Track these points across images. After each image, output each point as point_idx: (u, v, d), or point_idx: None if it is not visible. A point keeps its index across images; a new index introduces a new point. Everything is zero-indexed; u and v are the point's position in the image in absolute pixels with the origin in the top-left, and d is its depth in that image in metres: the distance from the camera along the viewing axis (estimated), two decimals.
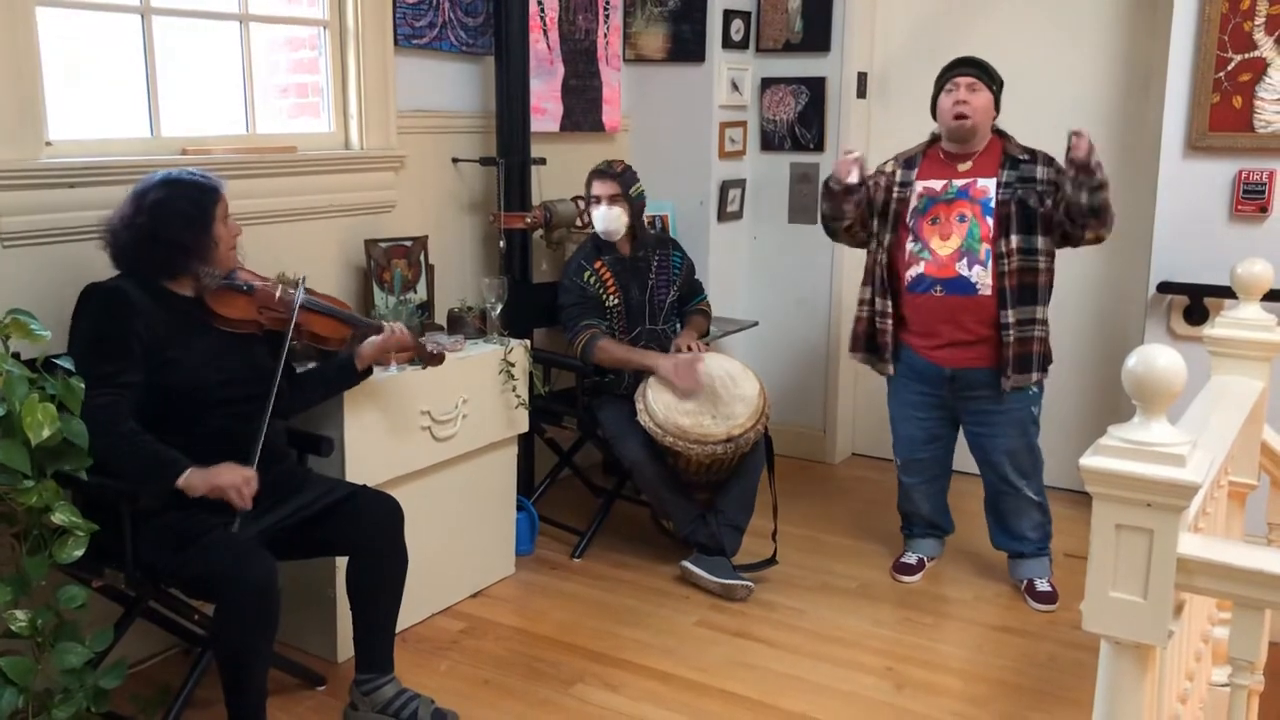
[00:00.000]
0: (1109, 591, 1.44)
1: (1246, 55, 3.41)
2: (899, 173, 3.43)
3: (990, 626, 3.32)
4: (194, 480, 2.36)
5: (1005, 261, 3.24)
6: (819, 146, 4.60)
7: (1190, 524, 1.53)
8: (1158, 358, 1.41)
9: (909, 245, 3.36)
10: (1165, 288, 3.62)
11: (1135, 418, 1.44)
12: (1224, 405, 2.12)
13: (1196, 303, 3.59)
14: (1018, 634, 3.28)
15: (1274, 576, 1.40)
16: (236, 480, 2.39)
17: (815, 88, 4.56)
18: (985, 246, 3.26)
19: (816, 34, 4.51)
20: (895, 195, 3.41)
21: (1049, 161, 3.28)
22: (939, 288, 3.32)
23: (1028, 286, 3.27)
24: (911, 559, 3.67)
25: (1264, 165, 3.44)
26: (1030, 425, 3.41)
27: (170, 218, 2.47)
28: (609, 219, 3.67)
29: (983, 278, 3.26)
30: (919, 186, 3.38)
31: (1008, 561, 3.59)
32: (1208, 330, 2.38)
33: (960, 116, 3.28)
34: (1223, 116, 3.46)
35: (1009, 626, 3.32)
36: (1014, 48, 4.09)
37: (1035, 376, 3.32)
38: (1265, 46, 3.38)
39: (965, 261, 3.28)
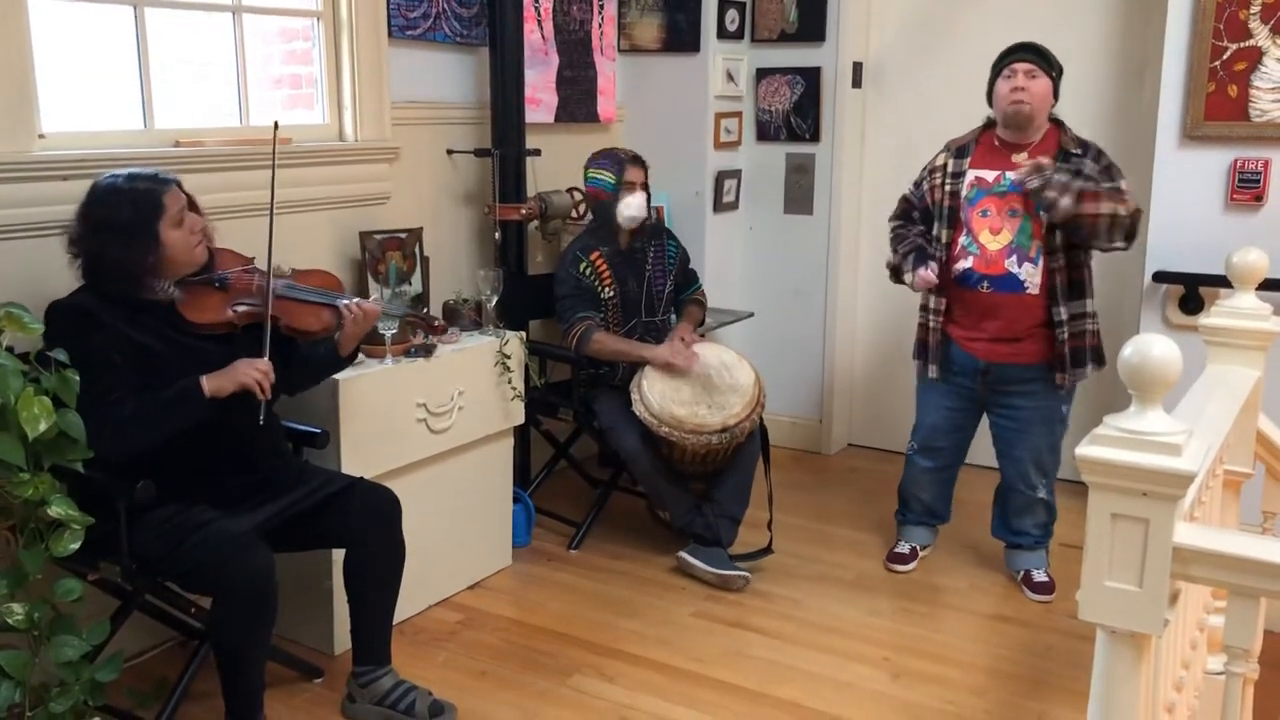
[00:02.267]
0: (1105, 581, 1.44)
1: (1242, 44, 3.40)
2: (950, 163, 3.36)
3: (987, 616, 3.33)
4: (216, 384, 2.39)
5: (1056, 258, 3.19)
6: (814, 137, 4.59)
7: (1186, 513, 1.54)
8: (1153, 347, 1.41)
9: (960, 239, 3.30)
10: (1161, 277, 3.62)
11: (1131, 407, 1.44)
12: (1220, 394, 2.12)
13: (1192, 292, 3.59)
14: (1014, 623, 3.29)
15: (1269, 565, 1.41)
16: (255, 374, 2.41)
17: (810, 78, 4.55)
18: (1036, 243, 3.20)
19: (811, 24, 4.50)
20: (949, 189, 3.33)
21: (1098, 155, 3.23)
22: (986, 284, 3.26)
23: (1076, 282, 3.23)
24: (905, 548, 3.67)
25: (1259, 154, 3.43)
26: (1058, 424, 3.38)
27: (111, 239, 2.36)
28: (640, 207, 3.69)
29: (1032, 275, 3.21)
30: (970, 175, 3.31)
31: (1004, 552, 3.60)
32: (1203, 319, 2.37)
33: (1018, 103, 3.20)
34: (1218, 105, 3.45)
35: (1005, 616, 3.33)
36: (1007, 37, 4.06)
37: (1089, 371, 3.28)
38: (1261, 35, 3.38)
39: (1015, 258, 3.22)
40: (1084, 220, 3.09)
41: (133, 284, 2.42)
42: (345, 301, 2.68)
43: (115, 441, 2.31)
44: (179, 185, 2.49)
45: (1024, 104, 3.20)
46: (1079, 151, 3.24)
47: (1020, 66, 3.22)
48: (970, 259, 3.28)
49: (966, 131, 3.42)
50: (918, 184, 3.47)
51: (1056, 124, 3.31)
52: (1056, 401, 3.34)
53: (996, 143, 3.32)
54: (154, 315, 2.46)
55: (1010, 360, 3.31)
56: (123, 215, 2.37)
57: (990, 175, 3.28)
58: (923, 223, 3.43)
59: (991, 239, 3.25)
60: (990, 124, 3.37)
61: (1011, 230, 3.23)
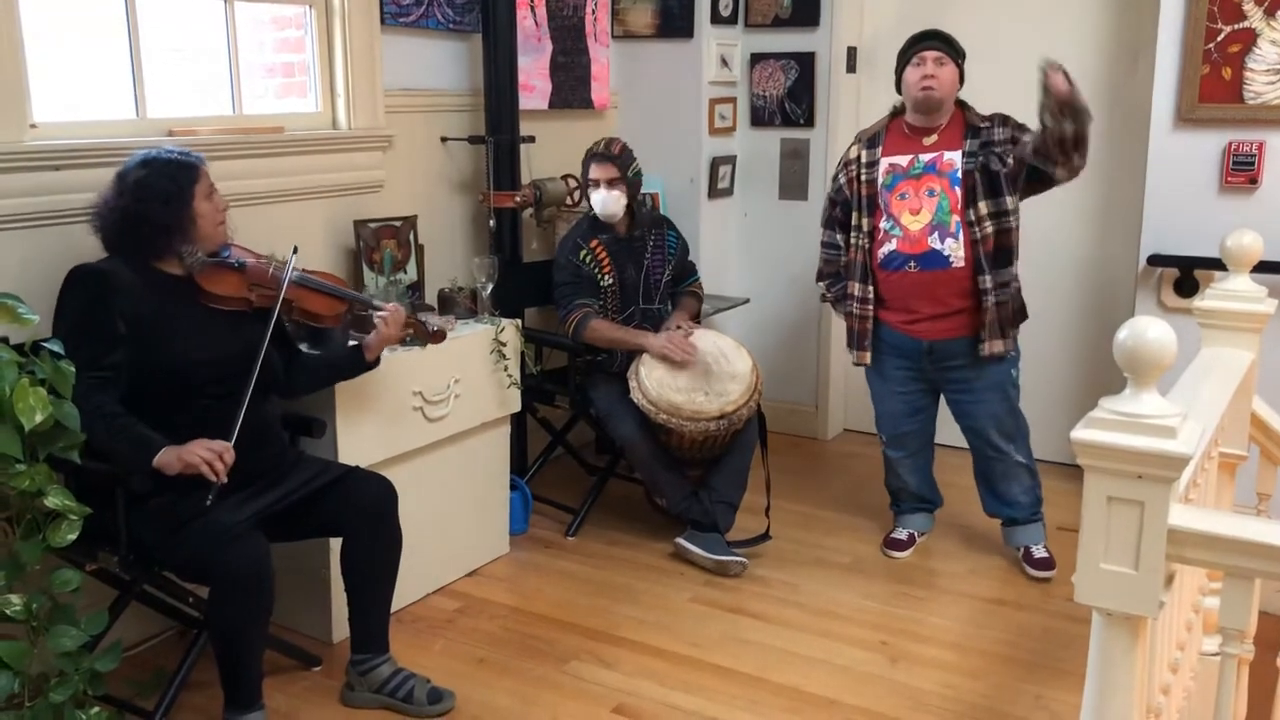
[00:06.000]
0: (1100, 563, 1.45)
1: (1236, 26, 3.40)
2: (864, 154, 3.43)
3: (983, 599, 3.34)
4: (167, 458, 2.34)
5: (976, 229, 3.26)
6: (809, 122, 4.59)
7: (1181, 495, 1.54)
8: (1148, 330, 1.42)
9: (881, 224, 3.37)
10: (1155, 260, 3.62)
11: (1126, 390, 1.45)
12: (1214, 377, 2.12)
13: (1187, 275, 3.59)
14: (1011, 606, 3.30)
15: (1263, 546, 1.41)
16: (207, 455, 2.34)
17: (805, 63, 4.54)
18: (955, 218, 3.28)
19: (805, 8, 4.48)
20: (865, 178, 3.40)
21: (1004, 121, 3.30)
22: (912, 263, 3.32)
23: (1003, 249, 3.30)
24: (902, 534, 3.69)
25: (1253, 136, 3.43)
26: (1010, 388, 3.44)
27: (148, 197, 2.46)
28: (608, 202, 3.65)
29: (955, 250, 3.28)
30: (885, 163, 3.38)
31: (1001, 530, 3.61)
32: (1198, 302, 2.37)
33: (928, 90, 3.27)
34: (1212, 88, 3.45)
35: (1002, 599, 3.34)
36: (1002, 21, 4.08)
37: (1012, 336, 3.35)
38: (1254, 17, 3.37)
39: (937, 235, 3.29)
40: (1080, 113, 3.05)
41: (164, 244, 2.51)
42: (381, 313, 2.76)
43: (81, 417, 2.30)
44: (207, 166, 2.60)
45: (933, 90, 3.28)
46: (985, 124, 3.31)
47: (929, 54, 3.30)
48: (894, 241, 3.35)
49: (875, 121, 3.49)
50: (834, 178, 3.54)
51: (961, 106, 3.39)
52: (1005, 366, 3.40)
53: (906, 129, 3.39)
54: (171, 289, 2.52)
55: (950, 335, 3.36)
56: (164, 177, 2.49)
57: (904, 160, 3.36)
58: (844, 215, 3.48)
59: (912, 219, 3.32)
60: (897, 112, 3.45)
61: (930, 209, 3.30)
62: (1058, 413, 4.13)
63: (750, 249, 4.85)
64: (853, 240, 3.45)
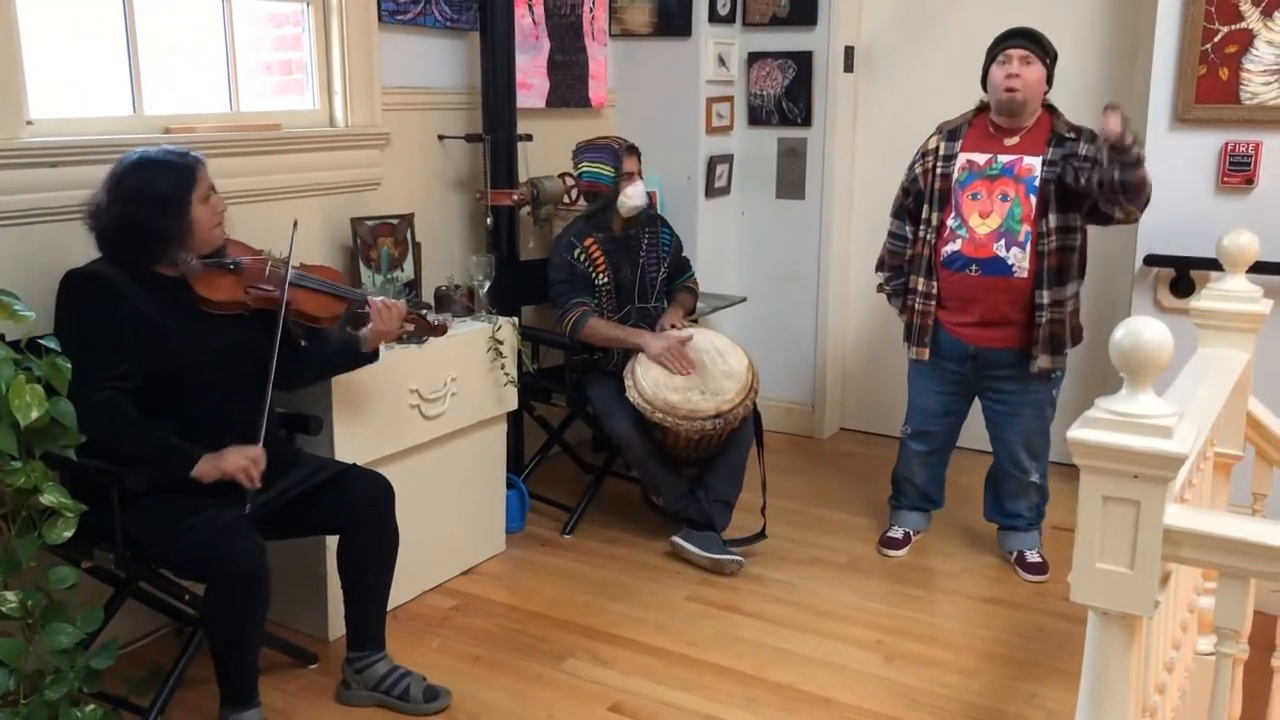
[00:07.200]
0: (1096, 563, 1.45)
1: (1233, 26, 3.40)
2: (942, 146, 3.36)
3: (979, 598, 3.35)
4: (204, 469, 2.39)
5: (1045, 241, 3.20)
6: (806, 121, 4.59)
7: (1177, 495, 1.54)
8: (1145, 330, 1.42)
9: (949, 221, 3.32)
10: (1152, 260, 3.63)
11: (1122, 390, 1.45)
12: (1210, 377, 2.13)
13: (1183, 275, 3.60)
14: (1006, 606, 3.30)
15: (1259, 546, 1.41)
16: (243, 462, 2.41)
17: (802, 62, 4.54)
18: (1025, 228, 3.21)
19: (803, 7, 4.48)
20: (940, 171, 3.34)
21: (1092, 138, 3.21)
22: (974, 267, 3.28)
23: (1066, 266, 3.24)
24: (898, 533, 3.69)
25: (1250, 137, 3.44)
26: (1048, 407, 3.41)
27: (145, 206, 2.39)
28: (642, 195, 3.68)
29: (1020, 260, 3.22)
30: (962, 158, 3.31)
31: (997, 533, 3.62)
32: (1194, 302, 2.38)
33: (1011, 90, 3.19)
34: (1209, 88, 3.45)
35: (997, 598, 3.35)
36: (1000, 21, 4.06)
37: (1065, 357, 3.31)
38: (1252, 18, 3.38)
39: (1003, 243, 3.24)
40: (1127, 157, 3.00)
41: (159, 253, 2.45)
42: (377, 299, 2.74)
43: (98, 426, 2.31)
44: (205, 165, 2.53)
45: (1016, 91, 3.20)
46: (1072, 136, 3.24)
47: (1015, 53, 3.22)
48: (958, 242, 3.30)
49: (959, 114, 3.43)
50: (910, 168, 3.47)
51: (1049, 110, 3.31)
52: (1047, 386, 3.36)
53: (990, 127, 3.32)
54: (167, 290, 2.48)
55: (997, 345, 3.32)
56: (160, 183, 2.42)
57: (982, 158, 3.29)
58: (915, 206, 3.43)
59: (981, 222, 3.27)
60: (983, 107, 3.37)
61: (1001, 214, 3.24)
62: (1055, 412, 4.13)
63: (747, 248, 4.85)
64: (920, 234, 3.40)
